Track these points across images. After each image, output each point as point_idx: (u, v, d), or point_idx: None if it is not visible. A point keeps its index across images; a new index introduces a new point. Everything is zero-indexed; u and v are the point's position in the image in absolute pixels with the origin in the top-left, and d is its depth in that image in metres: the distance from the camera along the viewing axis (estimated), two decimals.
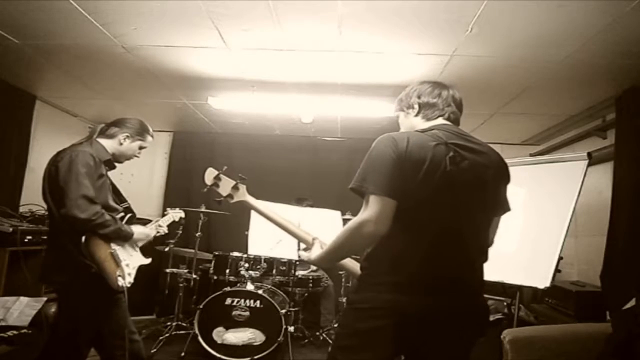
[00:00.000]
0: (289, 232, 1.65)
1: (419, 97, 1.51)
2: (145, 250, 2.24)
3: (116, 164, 2.18)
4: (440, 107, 1.48)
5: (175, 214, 2.53)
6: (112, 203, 2.06)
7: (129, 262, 2.06)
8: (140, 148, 2.23)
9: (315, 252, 1.55)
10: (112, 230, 1.93)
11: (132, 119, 2.21)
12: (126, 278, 1.99)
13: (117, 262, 1.97)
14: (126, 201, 2.19)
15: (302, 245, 1.65)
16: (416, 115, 1.51)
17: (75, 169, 1.88)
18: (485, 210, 1.41)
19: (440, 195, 1.29)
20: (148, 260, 2.21)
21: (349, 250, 1.45)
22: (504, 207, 1.49)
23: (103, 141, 2.12)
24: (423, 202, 1.28)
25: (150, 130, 2.26)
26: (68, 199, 1.84)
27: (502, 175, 1.46)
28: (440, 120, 1.47)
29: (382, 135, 1.35)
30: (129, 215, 2.13)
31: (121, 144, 2.14)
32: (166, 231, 2.36)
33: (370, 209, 1.26)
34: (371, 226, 1.25)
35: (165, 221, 2.41)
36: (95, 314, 1.96)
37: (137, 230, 2.11)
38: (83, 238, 1.87)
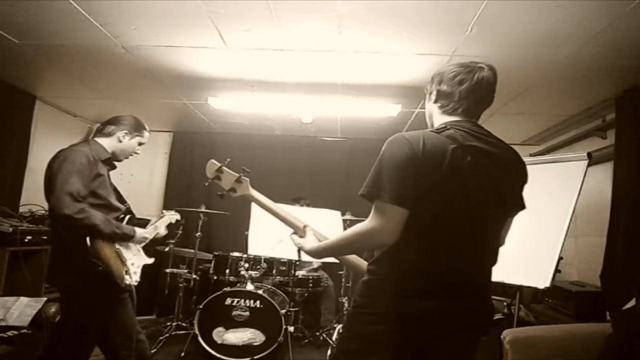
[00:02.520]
0: (294, 229, 1.63)
1: (439, 83, 1.38)
2: (145, 250, 2.24)
3: (116, 163, 2.18)
4: (456, 98, 1.35)
5: (172, 216, 2.50)
6: (115, 203, 2.06)
7: (134, 261, 2.07)
8: (140, 144, 2.22)
9: (310, 242, 1.52)
10: (99, 231, 1.88)
11: (127, 116, 2.21)
12: (132, 277, 2.00)
13: (122, 261, 1.97)
14: (125, 202, 2.19)
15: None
16: (434, 102, 1.41)
17: (65, 167, 1.88)
18: (500, 215, 1.37)
19: (455, 202, 1.24)
20: (151, 260, 2.23)
21: (350, 252, 1.46)
22: (519, 207, 1.45)
23: (101, 140, 2.12)
24: (437, 209, 1.23)
25: (146, 126, 2.25)
26: (52, 194, 1.84)
27: (519, 176, 1.41)
28: (457, 117, 1.36)
29: (393, 136, 1.27)
30: (128, 216, 2.13)
31: (120, 141, 2.13)
32: (162, 233, 2.33)
33: (381, 219, 1.21)
34: (380, 237, 1.22)
35: (162, 223, 2.38)
36: (101, 313, 1.97)
37: (138, 231, 2.11)
38: (88, 237, 1.87)
